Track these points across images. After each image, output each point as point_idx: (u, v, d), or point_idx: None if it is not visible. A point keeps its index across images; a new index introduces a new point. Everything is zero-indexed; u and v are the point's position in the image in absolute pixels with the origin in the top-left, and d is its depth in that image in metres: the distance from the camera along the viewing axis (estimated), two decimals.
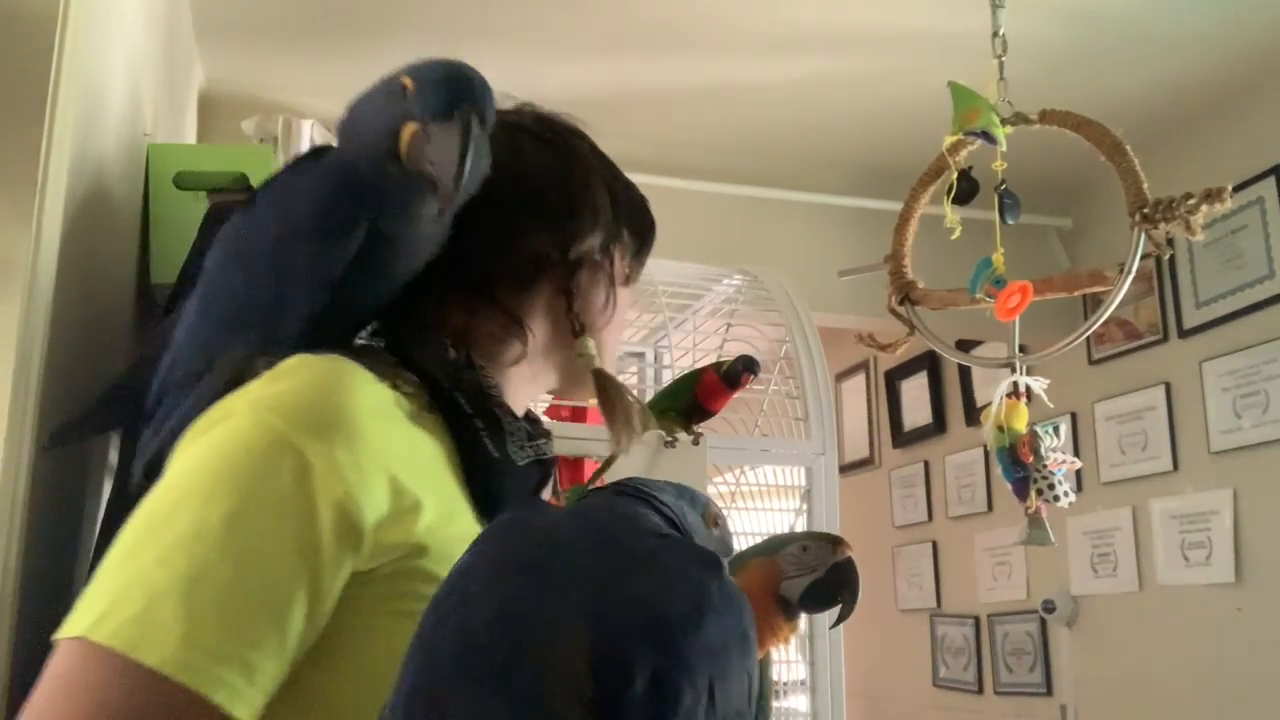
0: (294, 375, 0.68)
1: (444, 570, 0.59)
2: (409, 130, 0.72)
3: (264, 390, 0.67)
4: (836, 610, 0.94)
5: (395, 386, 0.74)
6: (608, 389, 0.86)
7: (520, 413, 0.86)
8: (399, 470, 0.68)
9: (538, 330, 0.84)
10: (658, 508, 0.64)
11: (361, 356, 0.73)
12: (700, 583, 0.55)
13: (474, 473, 0.77)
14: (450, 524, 0.72)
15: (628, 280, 0.92)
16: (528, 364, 0.85)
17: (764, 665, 0.92)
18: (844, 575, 0.92)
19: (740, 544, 1.72)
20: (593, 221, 0.85)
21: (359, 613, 0.66)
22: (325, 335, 0.76)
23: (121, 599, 0.59)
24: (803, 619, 1.03)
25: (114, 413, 0.96)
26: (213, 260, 0.82)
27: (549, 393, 0.94)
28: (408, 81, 0.72)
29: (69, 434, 0.95)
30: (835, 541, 0.93)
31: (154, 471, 0.68)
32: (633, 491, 0.64)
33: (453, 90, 0.71)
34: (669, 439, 1.57)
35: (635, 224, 0.91)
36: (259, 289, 0.77)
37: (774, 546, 0.95)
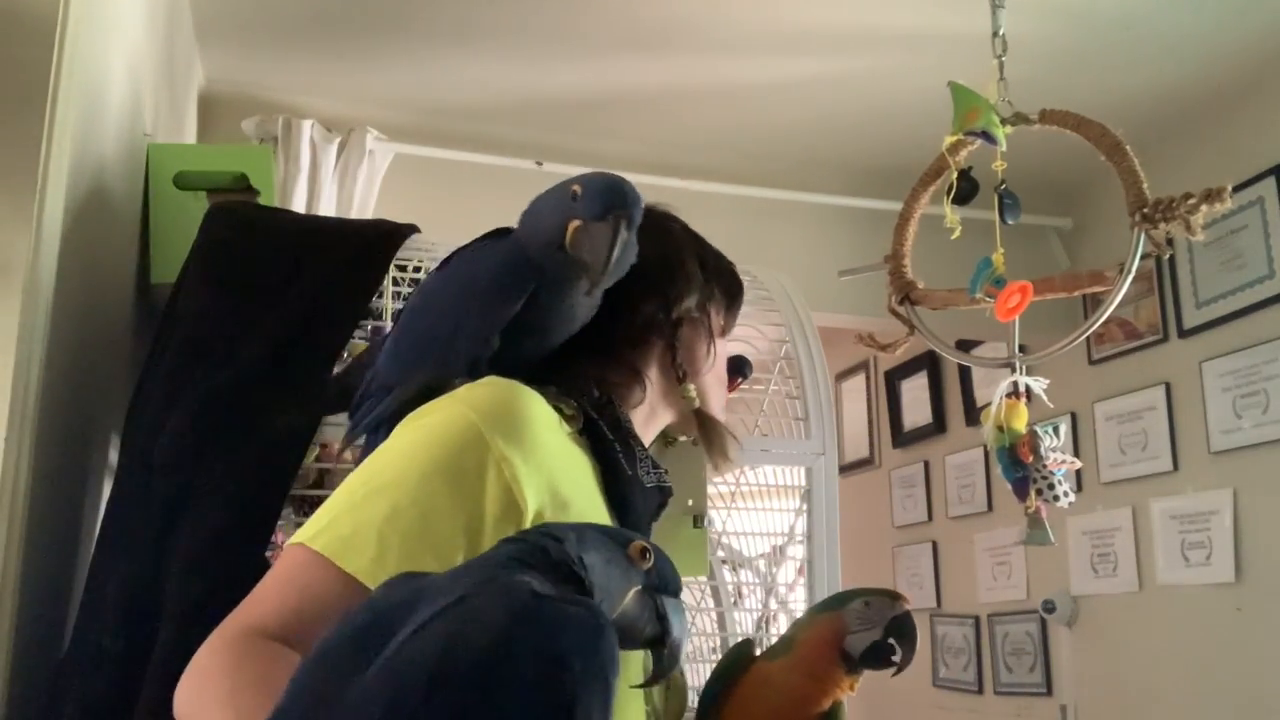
0: (490, 386, 0.87)
1: None
2: (573, 226, 0.90)
3: (467, 394, 0.87)
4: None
5: (558, 409, 0.92)
6: (707, 426, 1.07)
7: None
8: (556, 472, 0.85)
9: (654, 378, 1.04)
10: (547, 549, 0.64)
11: (532, 385, 0.90)
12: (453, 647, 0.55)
13: (611, 486, 0.94)
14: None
15: (724, 332, 1.11)
16: (648, 405, 1.04)
17: (838, 711, 0.98)
18: (903, 628, 0.98)
19: (740, 544, 1.72)
20: (687, 285, 1.04)
21: None
22: (492, 374, 0.92)
23: (335, 522, 0.79)
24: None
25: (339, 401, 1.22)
26: (410, 304, 1.05)
27: (668, 427, 1.11)
28: (577, 188, 0.91)
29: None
30: (894, 597, 0.99)
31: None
32: (517, 539, 0.66)
33: (609, 199, 0.90)
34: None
35: (725, 284, 1.10)
36: (439, 331, 0.98)
37: (838, 601, 1.01)
